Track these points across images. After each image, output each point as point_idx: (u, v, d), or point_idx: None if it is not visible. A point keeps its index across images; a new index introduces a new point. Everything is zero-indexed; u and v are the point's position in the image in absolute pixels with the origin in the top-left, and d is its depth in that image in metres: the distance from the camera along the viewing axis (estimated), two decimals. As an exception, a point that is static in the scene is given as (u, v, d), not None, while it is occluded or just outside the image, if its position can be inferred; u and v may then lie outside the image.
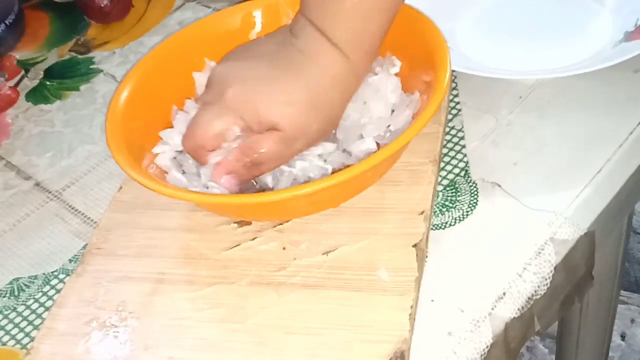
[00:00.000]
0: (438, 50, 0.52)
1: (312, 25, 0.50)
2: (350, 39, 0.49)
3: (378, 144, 0.53)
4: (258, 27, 0.61)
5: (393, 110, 0.54)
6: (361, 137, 0.53)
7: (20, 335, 0.52)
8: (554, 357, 1.17)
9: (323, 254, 0.51)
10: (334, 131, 0.53)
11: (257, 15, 0.61)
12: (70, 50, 0.80)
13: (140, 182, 0.49)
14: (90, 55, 0.78)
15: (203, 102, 0.53)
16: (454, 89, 0.62)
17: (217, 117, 0.50)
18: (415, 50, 0.55)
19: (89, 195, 0.62)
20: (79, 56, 0.78)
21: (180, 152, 0.54)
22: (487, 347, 0.47)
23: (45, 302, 0.54)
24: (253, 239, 0.53)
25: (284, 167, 0.52)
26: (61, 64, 0.78)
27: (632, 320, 1.42)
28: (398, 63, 0.56)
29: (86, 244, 0.56)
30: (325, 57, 0.49)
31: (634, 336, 1.40)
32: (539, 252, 0.50)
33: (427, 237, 0.51)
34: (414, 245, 0.49)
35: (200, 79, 0.59)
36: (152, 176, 0.51)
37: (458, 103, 0.61)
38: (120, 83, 0.57)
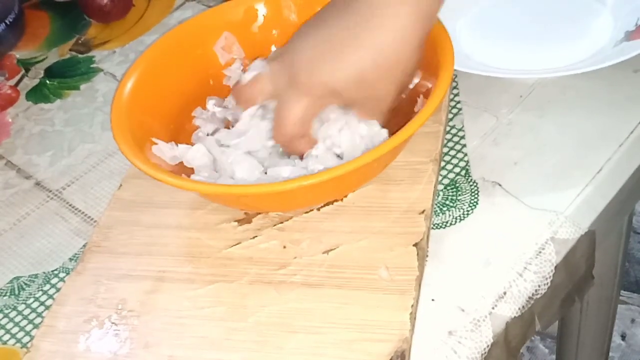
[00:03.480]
0: (442, 45, 0.53)
1: None
2: None
3: None
4: (260, 20, 0.61)
5: None
6: None
7: (20, 334, 0.52)
8: (554, 357, 1.17)
9: (324, 252, 0.51)
10: None
11: (260, 8, 0.61)
12: (70, 50, 0.80)
13: (149, 173, 0.49)
14: (90, 54, 0.78)
15: (276, 89, 0.53)
16: (455, 88, 0.62)
17: (297, 106, 0.51)
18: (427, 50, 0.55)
19: (89, 194, 0.62)
20: (79, 55, 0.78)
21: None
22: (488, 346, 0.47)
23: (45, 300, 0.54)
24: (253, 237, 0.53)
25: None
26: (61, 63, 0.78)
27: (633, 320, 1.42)
28: None
29: (86, 243, 0.56)
30: (393, 7, 0.48)
31: (634, 336, 1.40)
32: (540, 252, 0.50)
33: (427, 236, 0.51)
34: (415, 245, 0.49)
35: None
36: (158, 167, 0.51)
37: (459, 102, 0.61)
38: (124, 75, 0.57)
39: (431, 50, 0.53)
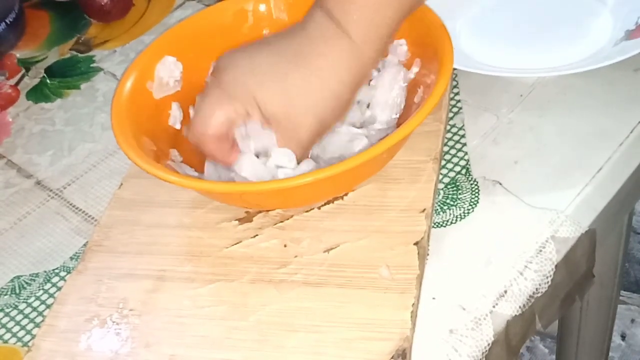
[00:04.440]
0: (440, 35, 0.53)
1: (322, 11, 0.49)
2: (360, 25, 0.48)
3: None
4: (250, 21, 0.62)
5: None
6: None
7: (21, 333, 0.52)
8: (554, 357, 1.17)
9: (324, 251, 0.51)
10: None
11: (249, 10, 0.61)
12: (70, 49, 0.80)
13: (151, 172, 0.49)
14: (90, 53, 0.78)
15: (204, 89, 0.53)
16: (455, 87, 0.62)
17: (217, 107, 0.50)
18: (420, 37, 0.56)
19: (90, 193, 0.62)
20: (80, 55, 0.78)
21: None
22: (489, 344, 0.47)
23: (46, 299, 0.54)
24: (254, 236, 0.53)
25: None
26: (62, 63, 0.78)
27: (632, 320, 1.42)
28: (403, 42, 0.57)
29: (87, 242, 0.56)
30: (332, 41, 0.49)
31: (634, 336, 1.40)
32: (540, 250, 0.50)
33: (428, 235, 0.51)
34: (415, 243, 0.50)
35: None
36: (162, 166, 0.51)
37: (459, 101, 0.61)
38: (121, 78, 0.57)
39: (429, 44, 0.54)
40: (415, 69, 0.57)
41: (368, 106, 0.56)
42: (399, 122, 0.56)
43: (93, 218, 0.59)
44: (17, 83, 0.77)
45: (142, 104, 0.56)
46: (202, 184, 0.51)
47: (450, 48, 0.52)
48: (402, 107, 0.56)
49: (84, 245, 0.57)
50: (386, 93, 0.55)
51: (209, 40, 0.60)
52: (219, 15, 0.61)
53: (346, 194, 0.54)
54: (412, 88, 0.56)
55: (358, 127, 0.55)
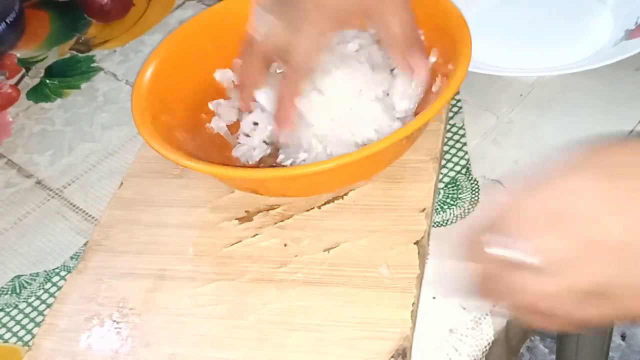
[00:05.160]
0: (458, 24, 0.54)
1: None
2: None
3: None
4: None
5: None
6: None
7: (21, 332, 0.52)
8: (554, 357, 1.17)
9: (324, 250, 0.51)
10: None
11: None
12: (70, 49, 0.80)
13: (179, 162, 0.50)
14: (90, 53, 0.78)
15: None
16: (455, 86, 0.62)
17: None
18: (437, 26, 0.57)
19: (90, 193, 0.62)
20: (80, 54, 0.78)
21: None
22: (489, 344, 0.47)
23: (46, 299, 0.54)
24: (254, 235, 0.53)
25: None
26: (62, 63, 0.78)
27: (632, 320, 1.42)
28: (420, 32, 0.57)
29: (87, 241, 0.56)
30: None
31: (634, 336, 1.40)
32: (540, 249, 0.50)
33: (428, 235, 0.51)
34: (416, 243, 0.50)
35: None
36: (183, 152, 0.51)
37: (459, 101, 0.61)
38: (145, 61, 0.57)
39: (447, 33, 0.55)
40: (432, 59, 0.56)
41: (387, 94, 0.56)
42: (417, 112, 0.55)
43: (93, 217, 0.59)
44: (17, 83, 0.77)
45: (162, 91, 0.57)
46: (223, 170, 0.51)
47: (468, 36, 0.52)
48: (421, 97, 0.56)
49: (84, 244, 0.57)
50: (406, 83, 0.55)
51: (232, 29, 0.60)
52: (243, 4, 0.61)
53: (346, 193, 0.54)
54: (429, 78, 0.56)
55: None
